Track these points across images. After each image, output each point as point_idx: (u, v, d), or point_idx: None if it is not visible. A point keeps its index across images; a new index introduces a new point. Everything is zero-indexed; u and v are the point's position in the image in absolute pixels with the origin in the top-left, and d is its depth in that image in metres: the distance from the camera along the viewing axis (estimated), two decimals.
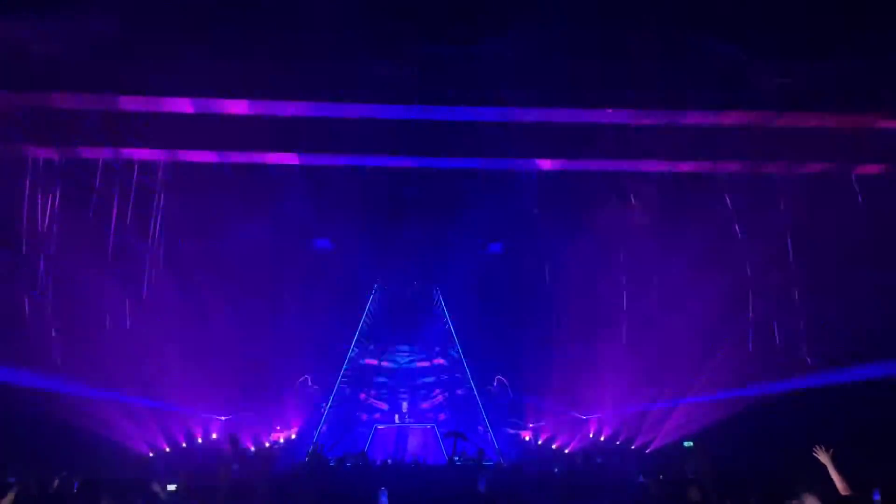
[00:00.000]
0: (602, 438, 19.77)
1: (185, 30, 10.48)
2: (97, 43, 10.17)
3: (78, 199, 13.87)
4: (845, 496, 5.93)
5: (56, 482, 10.50)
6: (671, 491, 9.82)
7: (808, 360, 14.53)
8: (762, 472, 11.10)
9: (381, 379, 23.94)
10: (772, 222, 15.00)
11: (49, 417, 13.55)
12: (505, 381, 23.13)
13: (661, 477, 13.66)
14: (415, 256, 22.07)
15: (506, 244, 20.64)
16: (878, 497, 7.28)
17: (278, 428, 21.38)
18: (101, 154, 13.41)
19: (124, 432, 15.75)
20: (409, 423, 23.18)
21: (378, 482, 9.98)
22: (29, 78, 10.80)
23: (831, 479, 6.13)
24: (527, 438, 22.01)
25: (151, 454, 16.62)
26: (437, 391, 23.84)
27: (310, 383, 22.78)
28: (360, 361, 23.85)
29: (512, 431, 22.42)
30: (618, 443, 19.11)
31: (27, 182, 13.15)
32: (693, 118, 12.79)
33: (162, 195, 15.08)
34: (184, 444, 17.87)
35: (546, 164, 14.70)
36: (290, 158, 14.37)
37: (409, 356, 24.23)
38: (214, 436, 19.00)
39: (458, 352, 23.54)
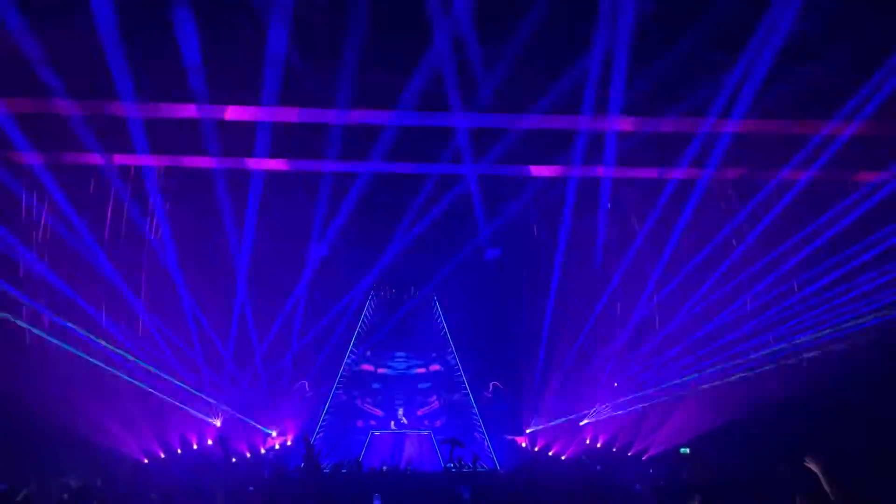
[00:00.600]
0: (598, 445, 19.76)
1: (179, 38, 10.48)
2: (94, 47, 10.17)
3: (72, 205, 13.85)
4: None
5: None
6: (668, 500, 9.82)
7: (805, 363, 14.53)
8: (755, 479, 11.10)
9: (377, 385, 23.92)
10: (769, 227, 15.02)
11: (46, 422, 13.53)
12: (500, 385, 23.12)
13: (660, 483, 13.70)
14: (411, 262, 22.05)
15: (502, 251, 20.65)
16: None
17: (274, 434, 21.34)
18: (94, 160, 13.40)
19: (119, 438, 15.71)
20: (405, 429, 23.13)
21: (372, 488, 9.95)
22: (26, 83, 10.81)
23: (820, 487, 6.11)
24: (523, 445, 21.99)
25: (146, 461, 16.56)
26: (434, 397, 23.81)
27: (307, 388, 22.76)
28: (356, 367, 23.83)
29: (508, 438, 22.40)
30: (614, 450, 19.09)
31: (19, 188, 13.14)
32: (691, 124, 12.80)
33: (157, 201, 15.07)
34: (179, 451, 17.82)
35: (542, 171, 14.73)
36: (285, 164, 14.38)
37: (405, 362, 24.21)
38: (210, 442, 18.95)
39: (454, 358, 23.52)
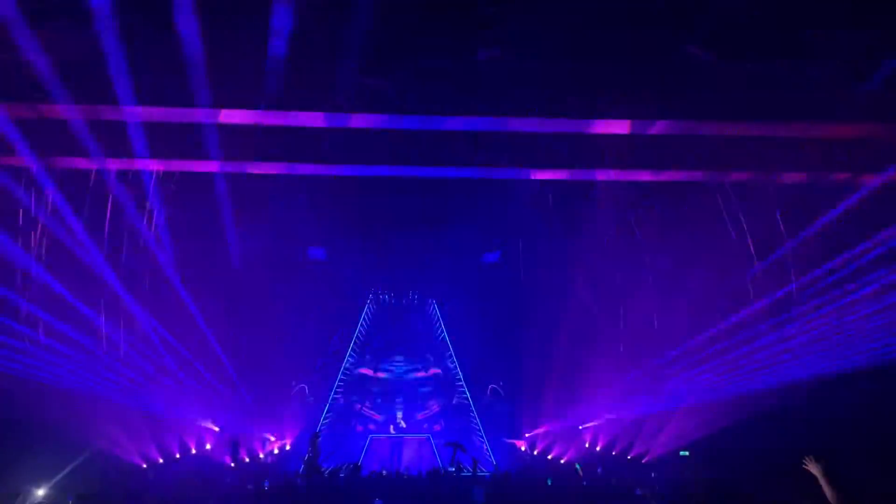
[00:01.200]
0: (598, 448, 19.76)
1: (180, 40, 10.49)
2: (93, 52, 10.18)
3: (70, 209, 13.84)
4: None
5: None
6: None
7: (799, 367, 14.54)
8: (754, 484, 11.11)
9: (377, 389, 23.90)
10: (767, 229, 15.04)
11: (45, 426, 13.50)
12: (499, 388, 23.13)
13: (655, 489, 13.69)
14: (410, 266, 22.09)
15: (502, 254, 20.67)
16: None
17: (273, 438, 21.32)
18: (94, 164, 13.40)
19: (119, 443, 15.68)
20: (405, 433, 23.12)
21: (372, 492, 9.95)
22: (25, 88, 10.82)
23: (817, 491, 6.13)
24: (522, 448, 21.99)
25: (145, 465, 16.53)
26: (433, 401, 23.79)
27: (307, 393, 22.75)
28: (356, 372, 23.82)
29: (508, 441, 22.39)
30: (614, 453, 19.10)
31: (21, 192, 13.12)
32: (691, 128, 12.82)
33: (157, 205, 15.07)
34: (178, 455, 17.80)
35: (542, 174, 14.73)
36: (285, 168, 14.38)
37: (404, 366, 24.20)
38: (208, 446, 18.93)
39: (453, 362, 23.52)
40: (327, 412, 22.56)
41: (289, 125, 12.79)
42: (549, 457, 20.66)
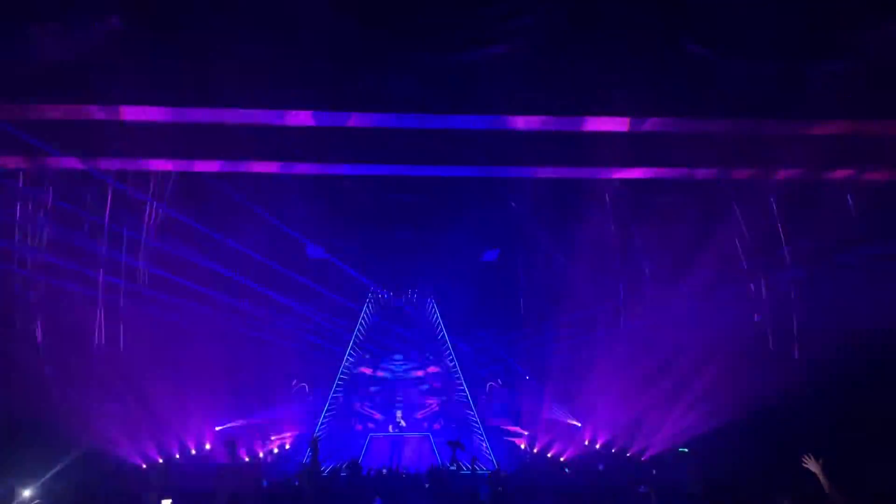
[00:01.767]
0: (598, 446, 19.78)
1: (182, 40, 10.49)
2: (91, 52, 10.17)
3: (70, 210, 13.84)
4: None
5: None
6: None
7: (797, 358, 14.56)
8: (752, 480, 11.13)
9: (376, 388, 23.91)
10: (767, 227, 15.06)
11: (43, 428, 13.48)
12: (499, 384, 23.16)
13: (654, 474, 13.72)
14: (409, 265, 22.09)
15: (500, 252, 20.68)
16: None
17: (273, 437, 21.33)
18: (90, 165, 13.40)
19: (118, 444, 15.67)
20: (404, 431, 23.14)
21: (372, 491, 9.95)
22: (22, 88, 10.81)
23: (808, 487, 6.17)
24: (522, 446, 22.00)
25: (145, 466, 16.53)
26: (432, 400, 23.80)
27: (307, 390, 22.75)
28: (355, 370, 23.83)
29: (507, 439, 22.41)
30: (613, 450, 19.11)
31: (16, 194, 13.12)
32: (689, 126, 12.84)
33: (156, 205, 15.07)
34: (177, 456, 17.79)
35: (542, 172, 14.75)
36: (285, 167, 14.39)
37: (403, 365, 24.21)
38: (208, 446, 18.94)
39: (452, 360, 23.53)
40: (327, 411, 22.56)
41: (288, 125, 12.81)
42: (549, 454, 20.68)
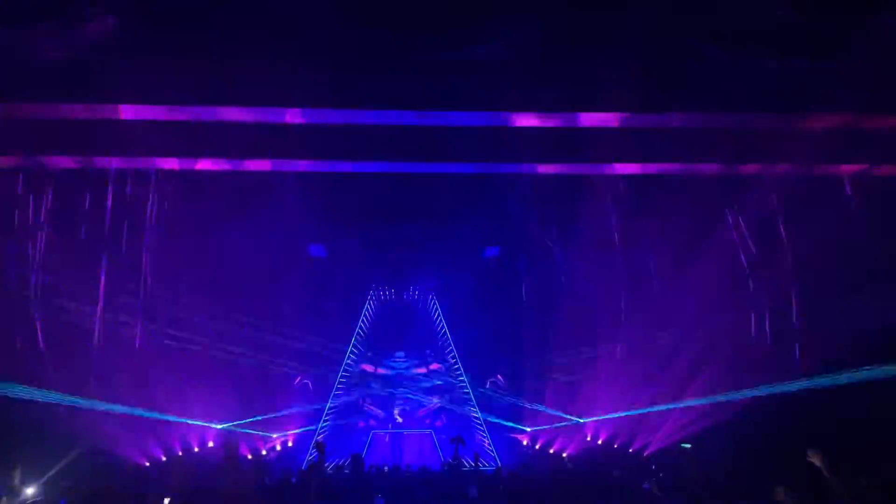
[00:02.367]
0: (599, 442, 19.78)
1: (181, 39, 10.48)
2: (90, 50, 10.17)
3: (72, 209, 13.84)
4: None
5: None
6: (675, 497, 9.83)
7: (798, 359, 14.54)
8: (753, 475, 11.11)
9: (378, 385, 23.92)
10: (767, 224, 15.03)
11: (46, 428, 13.48)
12: (500, 381, 23.14)
13: (660, 475, 13.71)
14: (411, 262, 22.08)
15: (502, 249, 20.67)
16: None
17: (275, 436, 21.33)
18: (94, 164, 13.40)
19: (120, 442, 15.68)
20: (404, 428, 23.16)
21: (374, 489, 9.95)
22: (24, 87, 10.80)
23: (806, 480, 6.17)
24: (524, 443, 22.00)
25: (147, 464, 16.54)
26: (434, 397, 23.81)
27: (310, 387, 22.75)
28: (357, 368, 23.83)
29: (510, 435, 22.40)
30: (615, 446, 19.11)
31: (20, 192, 13.12)
32: (691, 120, 12.81)
33: (157, 204, 15.06)
34: (180, 453, 17.81)
35: (541, 169, 14.73)
36: (285, 165, 14.38)
37: (405, 362, 24.22)
38: (211, 444, 18.94)
39: (454, 357, 23.53)
40: (329, 408, 22.57)
41: (288, 122, 12.80)
42: (551, 451, 20.68)
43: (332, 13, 10.52)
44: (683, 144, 13.32)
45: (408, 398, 23.75)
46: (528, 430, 21.93)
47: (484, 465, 17.05)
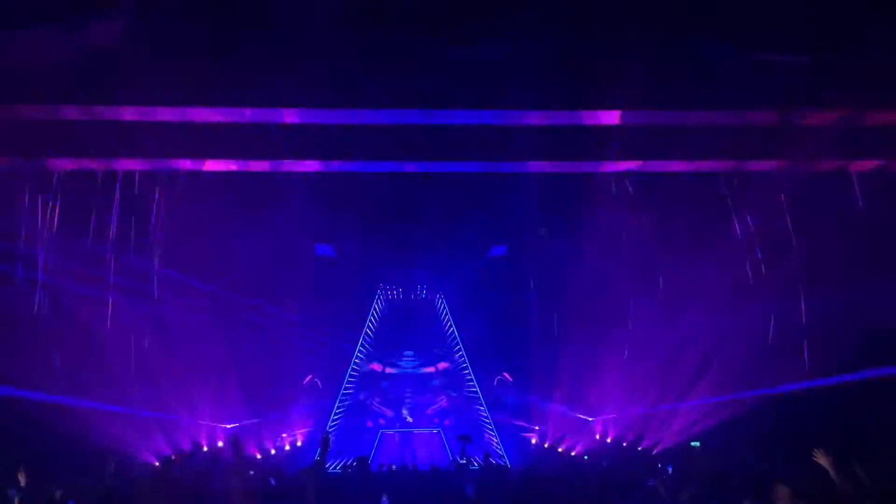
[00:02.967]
0: (608, 440, 19.73)
1: (185, 40, 10.49)
2: (92, 54, 10.19)
3: (78, 212, 13.89)
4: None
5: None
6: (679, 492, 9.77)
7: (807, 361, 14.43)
8: (760, 473, 11.05)
9: (386, 384, 23.96)
10: (774, 222, 14.91)
11: (55, 429, 13.56)
12: (507, 379, 23.13)
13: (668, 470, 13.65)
14: (418, 262, 22.09)
15: (508, 248, 20.63)
16: None
17: (284, 435, 21.41)
18: (101, 165, 13.45)
19: (130, 442, 15.76)
20: (413, 427, 23.17)
21: (380, 488, 9.94)
22: (27, 90, 10.85)
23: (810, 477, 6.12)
24: (533, 441, 21.97)
25: (157, 463, 16.63)
26: (442, 396, 23.82)
27: (320, 386, 22.82)
28: (365, 367, 23.87)
29: (519, 434, 22.39)
30: (624, 444, 19.06)
31: (25, 195, 13.17)
32: (696, 118, 12.72)
33: (164, 206, 15.11)
34: (189, 453, 17.89)
35: (548, 167, 14.68)
36: (291, 165, 14.38)
37: (413, 361, 24.25)
38: (220, 444, 19.04)
39: (462, 356, 23.52)
40: (338, 408, 22.62)
41: (293, 122, 12.80)
42: (560, 449, 20.64)
43: (336, 12, 10.49)
44: (692, 142, 13.23)
45: (416, 397, 23.78)
46: (537, 428, 21.90)
47: (493, 463, 17.03)
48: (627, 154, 13.63)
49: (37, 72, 10.14)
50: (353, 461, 16.68)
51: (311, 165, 14.54)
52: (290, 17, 10.47)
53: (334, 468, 16.93)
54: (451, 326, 23.74)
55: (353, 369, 23.33)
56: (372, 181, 15.68)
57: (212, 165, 14.22)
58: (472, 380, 23.16)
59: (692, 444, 17.16)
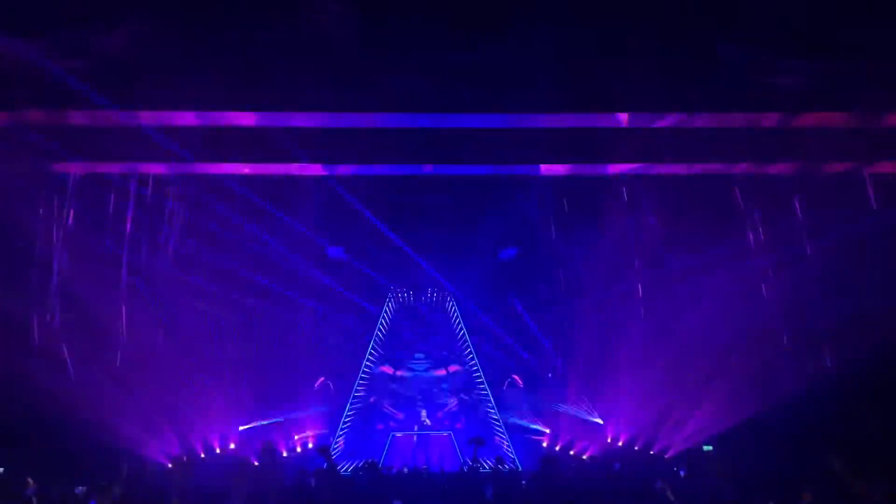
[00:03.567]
0: (620, 444, 19.65)
1: (195, 42, 10.58)
2: (108, 59, 10.31)
3: (93, 215, 14.03)
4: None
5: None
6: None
7: (828, 361, 14.35)
8: (776, 475, 10.99)
9: (397, 387, 23.98)
10: (786, 223, 14.85)
11: (67, 427, 13.68)
12: (519, 380, 23.10)
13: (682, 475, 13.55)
14: (429, 264, 22.10)
15: (519, 250, 20.62)
16: None
17: (296, 436, 21.47)
18: (113, 169, 13.60)
19: (143, 443, 15.87)
20: (426, 431, 23.16)
21: (392, 491, 9.95)
22: (43, 95, 10.99)
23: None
24: (544, 444, 21.92)
25: (170, 465, 16.72)
26: (453, 398, 23.81)
27: (331, 388, 22.87)
28: (376, 370, 23.91)
29: (530, 437, 22.35)
30: (636, 448, 18.98)
31: (42, 198, 13.33)
32: (703, 120, 12.70)
33: (176, 209, 15.23)
34: (202, 455, 18.00)
35: (558, 169, 14.70)
36: (303, 169, 14.48)
37: (424, 364, 24.25)
38: (232, 445, 19.12)
39: (473, 358, 23.51)
40: (349, 410, 22.67)
41: (302, 126, 12.89)
42: (571, 452, 20.59)
43: (345, 15, 10.53)
44: (701, 144, 13.20)
45: (427, 400, 23.78)
46: (548, 431, 21.86)
47: (505, 468, 16.99)
48: (636, 157, 13.63)
49: (50, 77, 10.24)
50: (362, 465, 16.69)
51: (322, 169, 14.64)
52: (301, 24, 10.53)
53: (345, 470, 16.95)
54: (461, 329, 23.74)
55: (364, 372, 23.37)
56: (383, 184, 15.76)
57: (224, 169, 14.35)
58: (482, 383, 23.15)
59: (704, 448, 17.08)
